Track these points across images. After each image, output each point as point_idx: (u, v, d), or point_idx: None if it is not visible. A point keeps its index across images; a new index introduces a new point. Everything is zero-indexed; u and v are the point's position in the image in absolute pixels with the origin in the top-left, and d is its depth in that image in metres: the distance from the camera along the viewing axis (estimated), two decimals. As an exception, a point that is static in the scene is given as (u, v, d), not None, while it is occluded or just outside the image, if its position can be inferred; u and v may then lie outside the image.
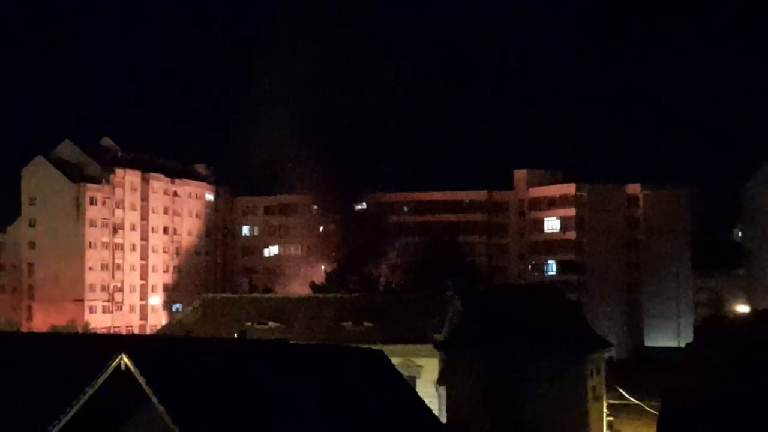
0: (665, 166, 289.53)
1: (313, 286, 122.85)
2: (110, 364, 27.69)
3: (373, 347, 43.12)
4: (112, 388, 27.84)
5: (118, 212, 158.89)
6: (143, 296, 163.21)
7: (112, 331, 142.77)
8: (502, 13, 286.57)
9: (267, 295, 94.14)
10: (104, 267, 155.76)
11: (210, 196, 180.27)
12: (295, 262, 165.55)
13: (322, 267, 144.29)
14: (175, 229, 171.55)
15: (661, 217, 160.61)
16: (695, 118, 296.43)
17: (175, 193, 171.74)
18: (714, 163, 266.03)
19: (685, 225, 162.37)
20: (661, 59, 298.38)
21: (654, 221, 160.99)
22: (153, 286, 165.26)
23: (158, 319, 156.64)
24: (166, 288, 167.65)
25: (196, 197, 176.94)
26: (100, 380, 27.83)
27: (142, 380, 27.25)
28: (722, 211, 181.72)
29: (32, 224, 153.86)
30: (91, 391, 27.95)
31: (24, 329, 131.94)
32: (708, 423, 37.12)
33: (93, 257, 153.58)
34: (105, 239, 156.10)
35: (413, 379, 64.45)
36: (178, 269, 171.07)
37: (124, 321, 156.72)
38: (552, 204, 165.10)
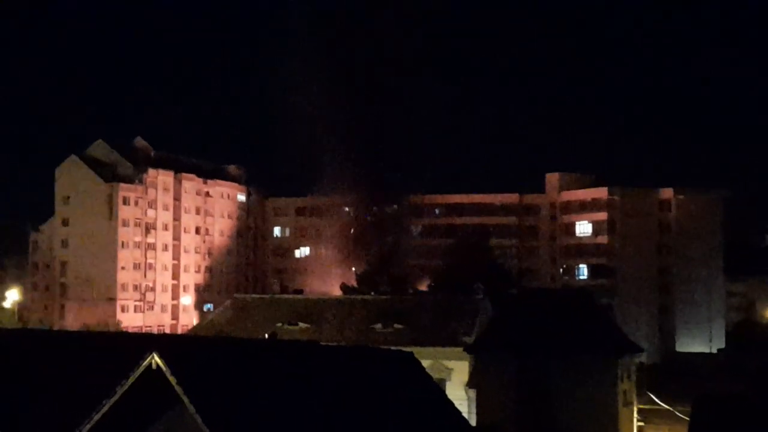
0: (698, 170, 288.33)
1: (344, 287, 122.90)
2: (141, 364, 27.80)
3: (403, 349, 43.13)
4: (143, 387, 27.96)
5: (151, 212, 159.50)
6: (175, 296, 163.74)
7: (143, 331, 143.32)
8: (534, 12, 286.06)
9: (298, 296, 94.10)
10: (136, 266, 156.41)
11: (242, 197, 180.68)
12: (326, 264, 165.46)
13: (353, 268, 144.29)
14: (207, 230, 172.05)
15: (693, 222, 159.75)
16: (728, 124, 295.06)
17: (207, 194, 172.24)
18: (747, 168, 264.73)
19: (717, 230, 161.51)
20: (696, 65, 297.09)
21: (686, 226, 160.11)
22: (185, 286, 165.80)
23: (189, 319, 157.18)
24: (197, 288, 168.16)
25: (228, 198, 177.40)
26: (131, 379, 27.95)
27: (173, 380, 27.33)
28: (754, 216, 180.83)
29: (65, 223, 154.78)
30: (122, 390, 28.08)
31: (56, 328, 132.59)
32: (739, 429, 36.92)
33: (125, 257, 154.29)
34: (137, 239, 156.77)
35: (443, 381, 64.42)
36: (209, 269, 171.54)
37: (156, 320, 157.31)
38: (584, 207, 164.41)
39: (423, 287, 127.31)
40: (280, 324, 75.82)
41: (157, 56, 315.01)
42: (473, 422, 54.79)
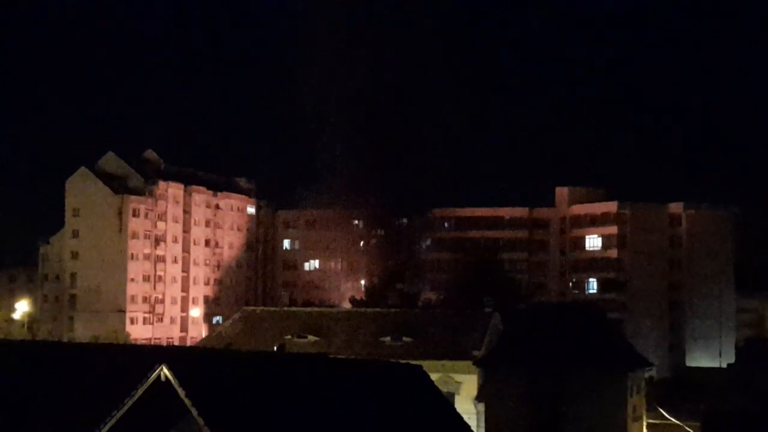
0: (709, 185, 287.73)
1: (353, 300, 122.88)
2: (150, 375, 27.81)
3: (412, 363, 43.08)
4: (151, 399, 27.96)
5: (161, 224, 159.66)
6: (184, 308, 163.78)
7: (152, 343, 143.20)
8: (545, 25, 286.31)
9: (307, 309, 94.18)
10: (146, 278, 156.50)
11: (251, 210, 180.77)
12: (336, 277, 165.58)
13: (362, 282, 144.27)
14: (216, 242, 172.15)
15: (704, 237, 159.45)
16: (739, 139, 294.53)
17: (217, 206, 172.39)
18: (758, 183, 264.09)
19: (728, 245, 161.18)
20: (708, 79, 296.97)
21: (696, 241, 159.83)
22: (194, 298, 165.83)
23: (198, 331, 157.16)
24: (206, 300, 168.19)
25: (238, 210, 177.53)
26: (140, 391, 27.96)
27: (181, 392, 27.33)
28: (766, 231, 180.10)
29: (75, 235, 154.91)
30: (131, 402, 28.08)
31: (65, 339, 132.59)
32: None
33: (135, 269, 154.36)
34: (147, 251, 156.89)
35: (452, 395, 64.36)
36: (219, 282, 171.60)
37: (165, 332, 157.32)
38: (594, 222, 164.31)
39: (433, 301, 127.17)
40: (289, 337, 75.82)
41: (168, 69, 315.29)
42: (482, 436, 54.67)
